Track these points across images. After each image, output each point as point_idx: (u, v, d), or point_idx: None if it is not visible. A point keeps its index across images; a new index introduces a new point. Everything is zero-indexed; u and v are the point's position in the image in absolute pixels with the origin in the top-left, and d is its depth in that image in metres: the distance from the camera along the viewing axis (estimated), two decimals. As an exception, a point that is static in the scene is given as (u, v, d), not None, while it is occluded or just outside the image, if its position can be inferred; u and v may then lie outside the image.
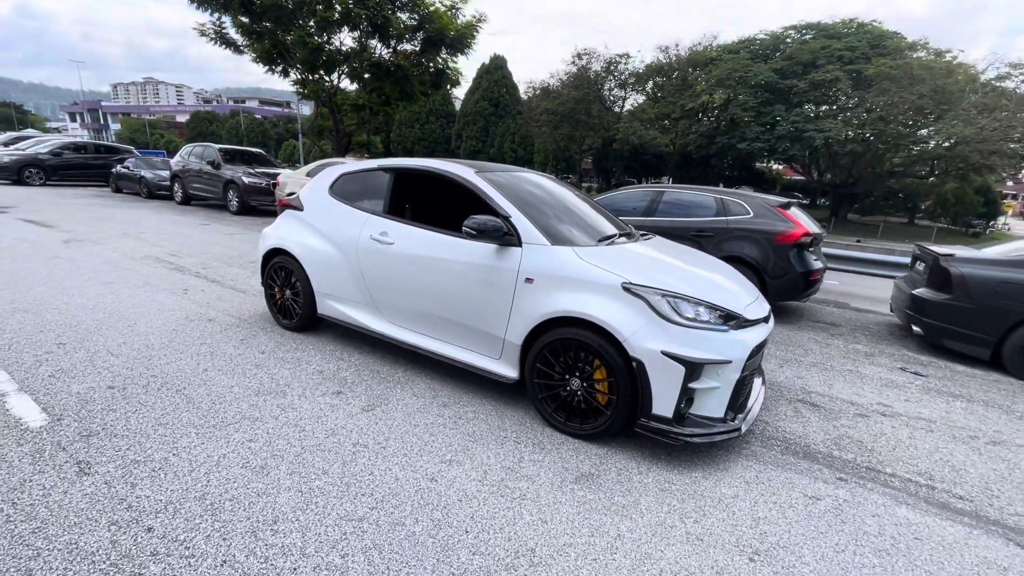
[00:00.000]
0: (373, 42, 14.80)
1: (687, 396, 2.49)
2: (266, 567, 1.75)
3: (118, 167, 15.22)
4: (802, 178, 35.00)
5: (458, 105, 43.36)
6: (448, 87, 16.62)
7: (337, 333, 4.16)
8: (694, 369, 2.43)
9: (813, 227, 5.77)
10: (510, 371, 2.98)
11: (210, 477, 2.20)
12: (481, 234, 2.89)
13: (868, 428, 3.17)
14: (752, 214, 5.61)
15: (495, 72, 40.25)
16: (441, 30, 14.13)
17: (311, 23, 13.71)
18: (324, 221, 3.86)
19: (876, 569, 1.96)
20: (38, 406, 2.69)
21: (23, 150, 15.71)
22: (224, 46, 14.45)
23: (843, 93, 24.62)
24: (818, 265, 5.64)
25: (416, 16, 14.22)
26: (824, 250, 6.83)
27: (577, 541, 1.99)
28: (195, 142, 15.54)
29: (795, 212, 5.74)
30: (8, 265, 5.61)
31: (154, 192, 14.05)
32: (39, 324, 3.89)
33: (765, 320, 2.89)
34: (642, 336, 2.47)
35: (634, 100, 33.09)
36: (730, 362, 2.49)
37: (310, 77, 15.11)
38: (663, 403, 2.47)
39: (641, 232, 3.84)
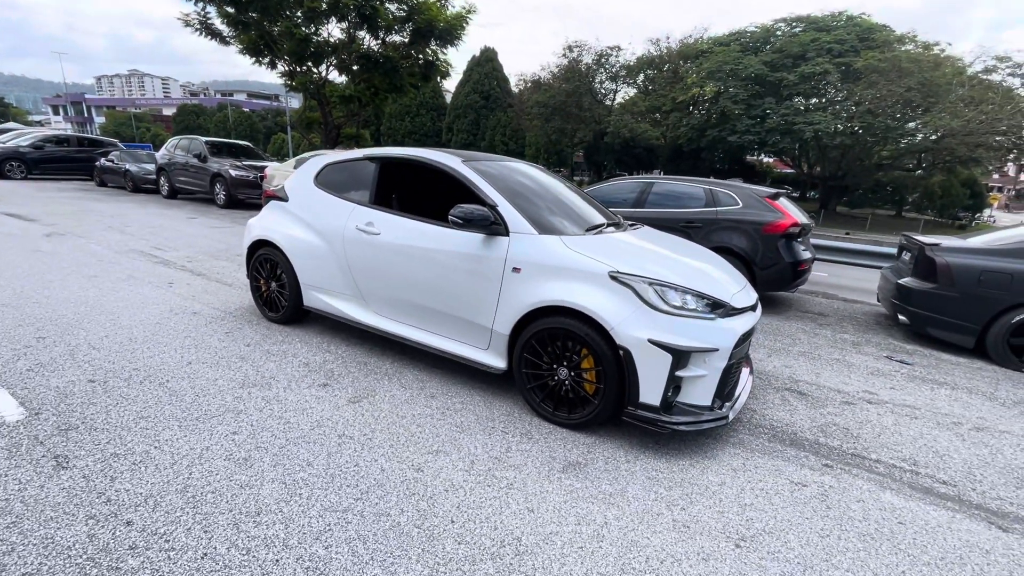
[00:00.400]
0: (361, 33, 14.64)
1: (674, 384, 2.49)
2: (247, 559, 1.72)
3: (102, 160, 14.95)
4: (792, 171, 35.17)
5: (449, 98, 43.01)
6: (438, 79, 16.51)
7: (324, 325, 4.12)
8: (681, 357, 2.43)
9: (802, 217, 5.79)
10: (498, 361, 2.96)
11: (192, 470, 2.17)
12: (468, 223, 2.86)
13: (854, 415, 3.19)
14: (741, 205, 5.62)
15: (486, 64, 39.92)
16: (430, 21, 13.98)
17: (298, 13, 13.49)
18: (309, 212, 3.80)
19: (860, 553, 1.98)
20: (15, 400, 2.63)
21: (3, 143, 15.35)
22: (210, 37, 14.19)
23: (832, 86, 24.72)
24: (806, 255, 5.66)
25: (405, 7, 14.07)
26: (813, 241, 6.86)
27: (563, 530, 1.98)
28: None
29: (784, 203, 5.75)
30: (-13, 259, 5.49)
31: (140, 186, 13.83)
32: (18, 318, 3.81)
33: (752, 308, 2.90)
34: (629, 324, 2.46)
35: (625, 93, 33.02)
36: (717, 350, 2.49)
37: (298, 69, 14.92)
38: (650, 391, 2.47)
39: (630, 222, 3.83)
